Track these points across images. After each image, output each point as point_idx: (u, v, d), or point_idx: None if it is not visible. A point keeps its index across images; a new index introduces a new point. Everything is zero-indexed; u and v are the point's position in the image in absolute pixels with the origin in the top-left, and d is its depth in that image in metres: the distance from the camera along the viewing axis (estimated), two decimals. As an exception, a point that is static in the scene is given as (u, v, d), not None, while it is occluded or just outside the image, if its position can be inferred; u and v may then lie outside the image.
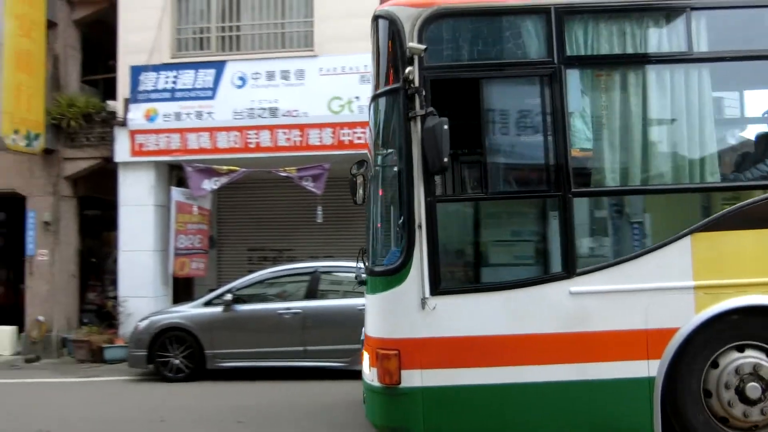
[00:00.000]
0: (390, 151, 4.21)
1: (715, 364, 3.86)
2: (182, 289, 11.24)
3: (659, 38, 4.06)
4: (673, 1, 4.09)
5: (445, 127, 3.68)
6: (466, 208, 4.41)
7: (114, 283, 11.10)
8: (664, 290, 3.80)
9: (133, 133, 10.47)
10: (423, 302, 3.82)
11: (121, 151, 10.57)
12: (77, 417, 6.61)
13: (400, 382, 3.85)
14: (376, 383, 3.96)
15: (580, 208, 4.07)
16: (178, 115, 10.34)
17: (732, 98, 4.74)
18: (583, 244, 4.11)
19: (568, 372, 3.80)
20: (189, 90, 10.33)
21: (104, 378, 9.05)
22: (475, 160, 4.60)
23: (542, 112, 4.02)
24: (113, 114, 10.79)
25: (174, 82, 10.39)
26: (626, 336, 3.80)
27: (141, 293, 10.38)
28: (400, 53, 3.89)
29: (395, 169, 4.06)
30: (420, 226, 3.85)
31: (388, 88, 4.07)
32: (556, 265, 3.95)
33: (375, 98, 4.27)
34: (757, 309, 3.78)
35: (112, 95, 11.05)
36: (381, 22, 4.10)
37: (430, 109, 3.78)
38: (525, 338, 3.84)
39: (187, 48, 10.81)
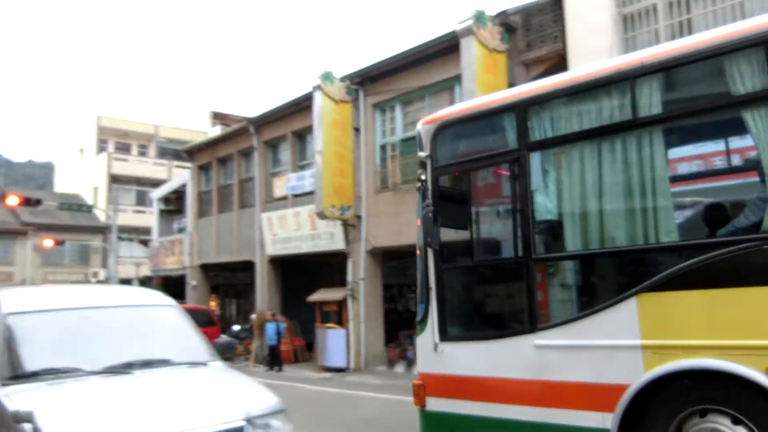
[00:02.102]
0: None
1: (689, 420, 3.72)
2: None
3: (603, 112, 4.27)
4: (613, 72, 4.23)
5: (430, 215, 4.75)
6: (462, 274, 5.23)
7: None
8: (613, 348, 3.95)
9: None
10: (435, 346, 4.88)
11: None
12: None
13: (425, 406, 4.93)
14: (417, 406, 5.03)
15: (543, 271, 4.56)
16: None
17: (677, 160, 4.89)
18: (544, 302, 4.51)
19: (534, 413, 4.25)
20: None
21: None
22: (469, 234, 5.23)
23: (512, 192, 4.68)
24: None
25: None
26: (582, 387, 4.05)
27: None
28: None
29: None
30: (431, 288, 4.96)
31: (418, 184, 5.09)
32: (524, 321, 4.49)
33: (417, 190, 5.16)
34: (712, 373, 3.56)
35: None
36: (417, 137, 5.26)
37: (428, 201, 4.86)
38: (501, 381, 4.48)
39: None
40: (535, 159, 4.60)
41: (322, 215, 15.41)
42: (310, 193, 16.34)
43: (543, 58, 12.33)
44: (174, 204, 27.81)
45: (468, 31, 11.84)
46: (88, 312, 4.81)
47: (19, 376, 4.06)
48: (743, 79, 3.71)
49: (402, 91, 15.14)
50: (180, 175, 30.79)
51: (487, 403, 4.52)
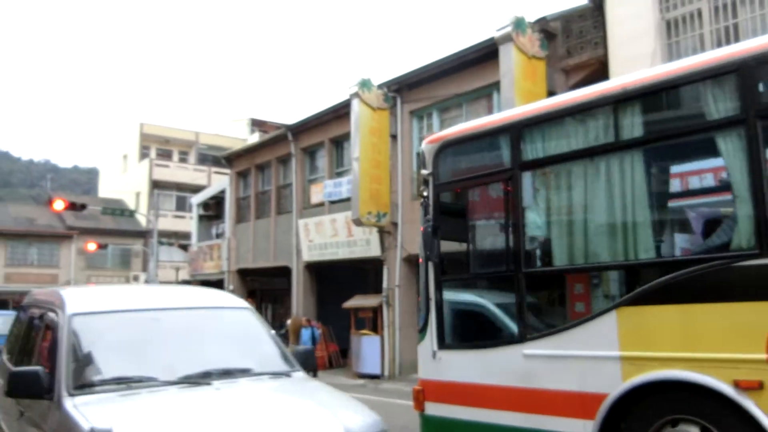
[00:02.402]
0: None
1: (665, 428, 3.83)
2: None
3: (589, 134, 4.49)
4: (597, 96, 4.46)
5: (429, 230, 5.11)
6: (459, 285, 5.54)
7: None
8: (594, 358, 4.12)
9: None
10: (434, 354, 5.13)
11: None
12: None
13: (424, 410, 5.18)
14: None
15: (532, 284, 4.78)
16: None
17: (656, 180, 4.94)
18: (533, 313, 4.75)
19: (522, 419, 4.45)
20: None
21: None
22: (466, 248, 5.56)
23: (505, 208, 4.95)
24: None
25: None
26: (566, 396, 4.23)
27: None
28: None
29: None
30: (431, 299, 5.23)
31: (421, 200, 5.42)
32: (514, 331, 4.73)
33: (420, 206, 5.52)
34: (683, 384, 3.72)
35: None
36: (420, 155, 5.58)
37: (429, 216, 5.21)
38: (493, 388, 4.69)
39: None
40: (526, 178, 4.91)
41: (358, 222, 15.45)
42: (347, 199, 16.41)
43: (583, 64, 12.18)
44: (213, 209, 28.25)
45: (507, 38, 11.76)
46: (159, 314, 4.34)
47: (87, 385, 3.63)
48: (716, 105, 3.92)
49: (439, 98, 15.12)
50: (219, 181, 31.29)
51: (480, 408, 4.79)
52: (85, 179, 74.57)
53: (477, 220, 5.62)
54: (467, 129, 5.44)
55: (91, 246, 28.91)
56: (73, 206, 23.55)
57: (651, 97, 4.33)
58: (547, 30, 12.43)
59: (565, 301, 4.91)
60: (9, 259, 35.60)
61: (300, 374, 4.35)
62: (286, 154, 21.16)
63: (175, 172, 40.92)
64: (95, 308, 4.28)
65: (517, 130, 4.86)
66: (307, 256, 19.27)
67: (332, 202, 18.20)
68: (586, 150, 4.51)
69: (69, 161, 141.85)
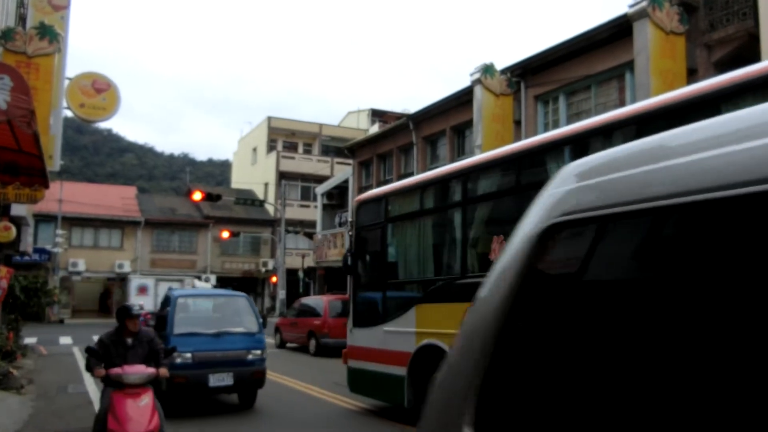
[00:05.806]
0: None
1: None
2: None
3: (431, 199, 8.36)
4: (441, 175, 8.23)
5: (348, 257, 9.57)
6: (362, 289, 9.45)
7: None
8: (407, 332, 7.91)
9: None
10: (351, 330, 9.41)
11: None
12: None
13: (347, 364, 9.40)
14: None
15: (389, 288, 8.77)
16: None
17: (435, 233, 8.36)
18: (389, 307, 8.63)
19: (381, 367, 8.47)
20: None
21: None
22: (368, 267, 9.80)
23: (380, 246, 9.02)
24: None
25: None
26: (398, 353, 8.04)
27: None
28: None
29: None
30: (350, 297, 9.68)
31: (349, 236, 10.18)
32: (380, 318, 8.71)
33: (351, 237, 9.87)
34: (433, 346, 7.46)
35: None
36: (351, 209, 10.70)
37: (350, 247, 9.70)
38: (371, 349, 8.73)
39: None
40: (390, 227, 8.83)
41: (481, 210, 15.30)
42: (469, 187, 16.24)
43: (729, 38, 11.20)
44: (336, 199, 29.12)
45: (642, 14, 11.08)
46: None
47: None
48: (454, 194, 7.94)
49: (567, 81, 14.53)
50: (341, 171, 32.16)
51: (366, 361, 8.81)
52: (218, 171, 79.60)
53: (371, 251, 9.26)
54: (371, 195, 9.38)
55: (225, 234, 30.82)
56: (209, 197, 25.18)
57: (443, 184, 8.08)
58: (687, 2, 11.55)
59: (400, 300, 8.46)
60: (154, 246, 38.81)
61: None
62: (407, 143, 21.32)
63: (300, 163, 42.59)
64: None
65: (385, 198, 8.85)
66: (429, 244, 19.37)
67: (454, 191, 18.10)
68: (410, 213, 8.46)
69: (204, 154, 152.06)
